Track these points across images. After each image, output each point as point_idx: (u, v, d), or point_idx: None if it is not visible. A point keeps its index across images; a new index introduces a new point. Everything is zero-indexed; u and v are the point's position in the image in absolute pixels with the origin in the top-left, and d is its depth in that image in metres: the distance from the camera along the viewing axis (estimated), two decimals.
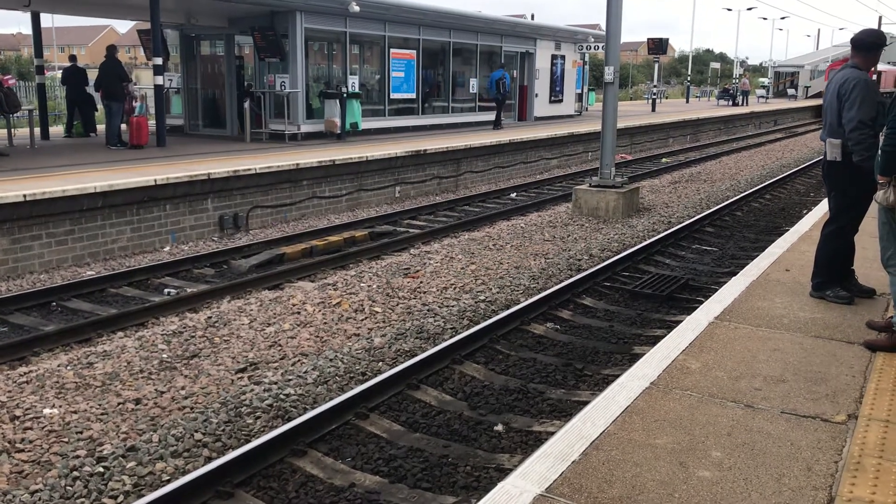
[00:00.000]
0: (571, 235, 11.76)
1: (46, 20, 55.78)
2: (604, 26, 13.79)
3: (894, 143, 4.73)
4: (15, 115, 15.87)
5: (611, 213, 13.16)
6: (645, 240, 11.12)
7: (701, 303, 6.56)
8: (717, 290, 6.79)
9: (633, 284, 8.84)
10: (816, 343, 5.10)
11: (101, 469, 4.67)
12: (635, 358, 6.19)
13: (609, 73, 13.36)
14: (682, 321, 5.76)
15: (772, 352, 4.93)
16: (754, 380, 4.48)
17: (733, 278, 6.88)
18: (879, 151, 4.91)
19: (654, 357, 4.85)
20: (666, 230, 11.74)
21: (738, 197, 14.88)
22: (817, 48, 73.79)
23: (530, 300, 7.86)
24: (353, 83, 18.76)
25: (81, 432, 5.18)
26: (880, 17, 52.74)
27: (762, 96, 54.05)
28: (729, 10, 68.97)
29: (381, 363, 6.48)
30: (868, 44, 5.74)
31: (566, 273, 9.43)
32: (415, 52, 20.85)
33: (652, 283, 8.85)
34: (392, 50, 20.06)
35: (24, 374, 6.15)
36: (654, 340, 6.51)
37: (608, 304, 8.33)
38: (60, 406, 5.56)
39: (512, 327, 7.32)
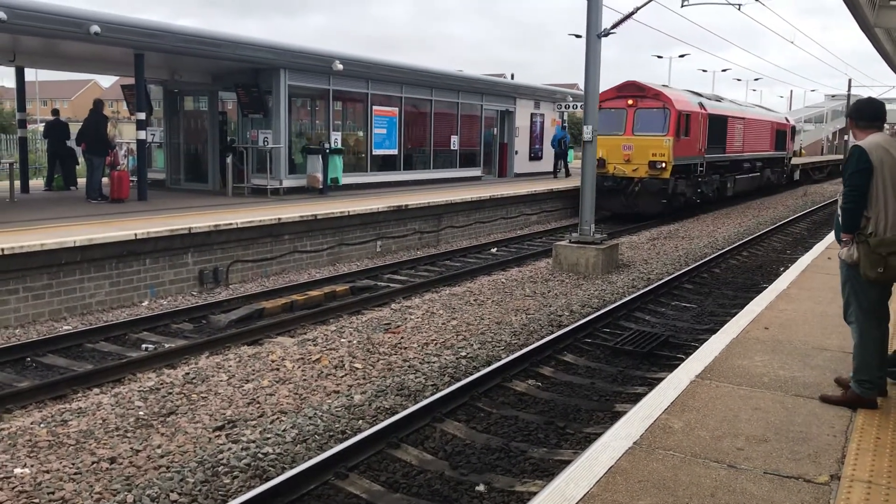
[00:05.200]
0: (552, 291, 11.80)
1: (30, 74, 55.95)
2: (582, 86, 14.07)
3: (852, 200, 4.79)
4: None
5: (591, 269, 13.24)
6: (625, 296, 11.18)
7: (681, 360, 6.58)
8: (697, 347, 6.82)
9: (614, 341, 8.85)
10: (797, 402, 5.12)
11: None
12: (617, 416, 6.17)
13: (588, 132, 13.59)
14: (663, 379, 5.76)
15: (753, 411, 4.94)
16: (737, 439, 4.48)
17: (713, 336, 6.91)
18: (839, 210, 4.96)
19: (636, 416, 4.83)
20: (645, 287, 11.82)
21: (716, 254, 15.04)
22: (790, 108, 75.67)
23: (512, 356, 7.85)
24: (336, 139, 18.93)
25: (53, 493, 5.05)
26: (850, 80, 54.07)
27: None
28: (704, 70, 70.77)
29: (361, 421, 6.41)
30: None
31: (547, 329, 9.43)
32: (397, 109, 21.12)
33: (632, 339, 8.87)
34: (374, 107, 20.31)
35: None
36: (636, 398, 6.50)
37: (589, 361, 8.32)
38: (32, 465, 5.43)
39: (493, 384, 7.28)
